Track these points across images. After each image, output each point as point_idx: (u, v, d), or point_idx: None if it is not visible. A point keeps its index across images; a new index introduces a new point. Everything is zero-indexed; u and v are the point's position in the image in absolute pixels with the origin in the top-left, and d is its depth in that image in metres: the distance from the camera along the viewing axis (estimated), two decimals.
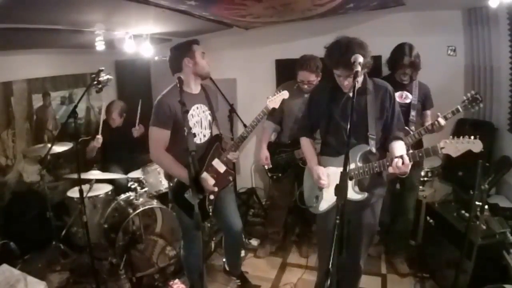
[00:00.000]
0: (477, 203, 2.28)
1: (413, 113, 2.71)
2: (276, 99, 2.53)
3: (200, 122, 2.33)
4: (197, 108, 2.32)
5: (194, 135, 2.16)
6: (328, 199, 2.12)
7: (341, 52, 1.85)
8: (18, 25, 2.51)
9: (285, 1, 2.71)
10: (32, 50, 3.54)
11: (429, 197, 3.14)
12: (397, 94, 2.67)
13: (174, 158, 2.23)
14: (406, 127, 2.64)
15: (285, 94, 2.55)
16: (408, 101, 2.72)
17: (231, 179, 2.49)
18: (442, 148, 1.79)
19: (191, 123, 2.22)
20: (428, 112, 2.84)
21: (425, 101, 2.79)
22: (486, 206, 2.36)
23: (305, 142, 2.28)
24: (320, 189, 2.15)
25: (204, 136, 2.36)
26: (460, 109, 2.53)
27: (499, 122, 3.11)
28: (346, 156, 1.49)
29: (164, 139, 2.22)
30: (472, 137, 1.76)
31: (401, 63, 2.64)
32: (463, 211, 2.58)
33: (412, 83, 2.74)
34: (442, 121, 2.52)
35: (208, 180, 2.31)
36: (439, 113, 2.54)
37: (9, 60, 3.38)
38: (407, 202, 2.93)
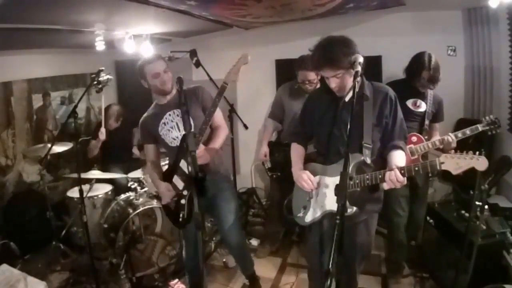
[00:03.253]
0: (477, 203, 2.27)
1: (427, 122, 2.61)
2: (234, 69, 2.32)
3: (176, 126, 2.37)
4: (169, 115, 2.38)
5: (175, 139, 2.37)
6: (316, 210, 1.97)
7: (321, 51, 1.76)
8: (18, 25, 2.51)
9: (285, 1, 2.71)
10: (32, 50, 3.54)
11: (429, 197, 3.14)
12: (410, 101, 2.60)
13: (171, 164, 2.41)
14: (420, 135, 2.58)
15: (244, 58, 2.31)
16: (421, 109, 2.60)
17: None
18: (441, 163, 1.63)
19: (164, 131, 2.38)
20: (437, 126, 2.73)
21: (437, 113, 2.68)
22: (486, 206, 2.35)
23: (294, 147, 2.13)
24: (309, 199, 1.99)
25: (178, 137, 2.39)
26: (480, 128, 2.44)
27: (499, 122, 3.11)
28: (346, 156, 1.48)
29: (151, 152, 2.51)
30: (478, 152, 1.60)
31: (419, 76, 2.50)
32: (463, 211, 2.58)
33: (427, 92, 2.62)
34: (452, 138, 2.43)
35: (164, 192, 2.36)
36: (458, 133, 2.46)
37: (9, 60, 3.38)
38: (417, 213, 2.81)
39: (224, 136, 2.44)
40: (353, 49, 1.73)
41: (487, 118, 2.43)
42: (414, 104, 2.61)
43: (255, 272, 2.82)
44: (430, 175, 3.19)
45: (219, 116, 2.45)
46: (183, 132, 2.33)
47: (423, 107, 2.61)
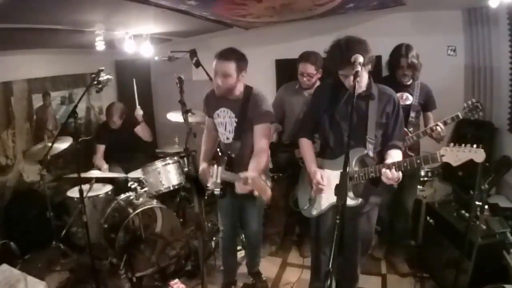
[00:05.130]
0: (477, 203, 2.28)
1: (412, 114, 2.68)
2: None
3: (224, 125, 2.40)
4: (224, 111, 2.39)
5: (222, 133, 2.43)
6: (321, 203, 2.08)
7: (342, 51, 1.82)
8: (18, 25, 2.51)
9: (285, 1, 2.71)
10: (32, 50, 3.54)
11: (429, 197, 3.14)
12: (397, 95, 2.69)
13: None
14: (405, 128, 2.60)
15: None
16: (408, 102, 2.69)
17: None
18: (442, 156, 1.72)
19: (216, 120, 2.45)
20: (430, 114, 2.79)
21: (426, 103, 2.74)
22: (486, 206, 2.36)
23: (305, 143, 2.20)
24: (314, 192, 2.11)
25: (227, 138, 2.42)
26: (460, 116, 2.50)
27: (499, 122, 3.11)
28: (346, 156, 1.49)
29: (208, 124, 2.56)
30: (475, 145, 1.68)
31: (398, 65, 2.63)
32: (463, 211, 2.58)
33: (413, 83, 2.71)
34: (441, 127, 2.49)
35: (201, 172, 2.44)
36: (438, 123, 2.52)
37: (9, 60, 3.38)
38: (405, 201, 2.89)
39: (264, 162, 2.23)
40: (369, 47, 1.83)
41: (468, 102, 2.49)
42: (401, 97, 2.68)
43: (259, 270, 2.91)
44: (430, 174, 3.20)
45: (259, 131, 2.28)
46: (229, 134, 2.39)
47: (409, 99, 2.69)
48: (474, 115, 2.49)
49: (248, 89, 2.35)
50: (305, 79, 2.91)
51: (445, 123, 2.52)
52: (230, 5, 2.74)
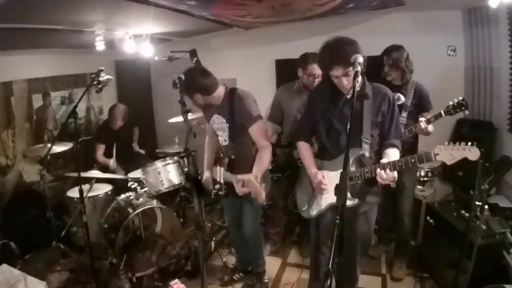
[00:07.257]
0: (477, 203, 2.27)
1: (404, 114, 2.65)
2: None
3: (220, 130, 2.49)
4: (216, 117, 2.47)
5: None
6: (320, 204, 2.09)
7: (332, 50, 1.81)
8: (18, 25, 2.51)
9: (285, 1, 2.72)
10: (32, 50, 3.54)
11: (429, 197, 3.14)
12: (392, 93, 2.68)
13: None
14: None
15: None
16: (400, 102, 2.66)
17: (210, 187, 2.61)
18: (436, 154, 1.70)
19: (214, 126, 2.52)
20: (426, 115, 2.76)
21: (421, 104, 2.70)
22: (486, 206, 2.36)
23: (303, 146, 2.19)
24: (312, 193, 2.12)
25: (225, 140, 2.48)
26: (443, 114, 2.47)
27: (499, 122, 3.11)
28: (346, 156, 1.48)
29: (208, 131, 2.69)
30: (470, 143, 1.65)
31: (382, 62, 2.66)
32: (463, 211, 2.58)
33: (407, 84, 2.67)
34: (423, 125, 2.48)
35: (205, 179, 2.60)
36: (422, 118, 2.52)
37: (9, 60, 3.38)
38: (401, 205, 2.85)
39: (267, 158, 2.31)
40: (359, 48, 1.80)
41: (454, 100, 2.46)
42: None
43: (265, 271, 2.89)
44: (430, 174, 3.20)
45: (255, 133, 2.34)
46: (224, 136, 2.46)
47: (401, 99, 2.68)
48: (459, 113, 2.46)
49: (231, 92, 2.40)
50: (316, 80, 2.87)
51: (428, 122, 2.51)
52: (230, 5, 2.74)
